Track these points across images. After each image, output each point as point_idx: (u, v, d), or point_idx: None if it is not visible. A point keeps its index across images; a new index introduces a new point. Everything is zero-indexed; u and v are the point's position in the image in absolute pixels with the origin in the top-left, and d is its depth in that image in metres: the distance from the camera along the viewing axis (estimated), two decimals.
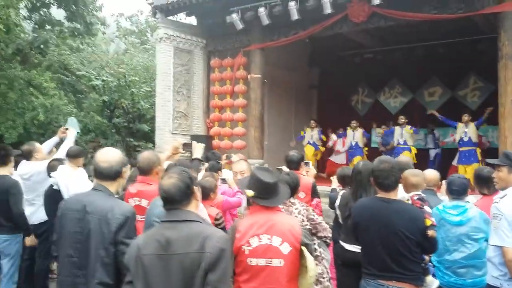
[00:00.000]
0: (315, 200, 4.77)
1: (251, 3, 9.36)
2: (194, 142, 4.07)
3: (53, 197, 4.32)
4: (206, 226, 2.12)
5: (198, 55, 11.26)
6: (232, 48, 10.70)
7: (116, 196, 2.57)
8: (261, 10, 9.14)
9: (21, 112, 11.59)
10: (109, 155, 2.54)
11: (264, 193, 2.57)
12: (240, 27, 9.54)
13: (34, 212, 4.86)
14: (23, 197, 4.49)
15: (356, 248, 4.00)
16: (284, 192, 2.68)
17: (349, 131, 11.46)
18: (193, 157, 3.59)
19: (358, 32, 10.34)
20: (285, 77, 12.86)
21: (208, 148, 8.64)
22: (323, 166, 12.49)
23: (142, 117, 16.85)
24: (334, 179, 4.82)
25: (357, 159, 10.27)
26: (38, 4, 13.18)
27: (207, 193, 3.37)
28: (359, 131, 11.30)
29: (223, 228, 3.21)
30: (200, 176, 4.27)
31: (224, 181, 4.58)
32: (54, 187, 4.24)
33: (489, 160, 3.44)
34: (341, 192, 4.22)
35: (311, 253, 2.57)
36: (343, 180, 4.52)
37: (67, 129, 5.56)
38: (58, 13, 14.54)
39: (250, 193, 2.55)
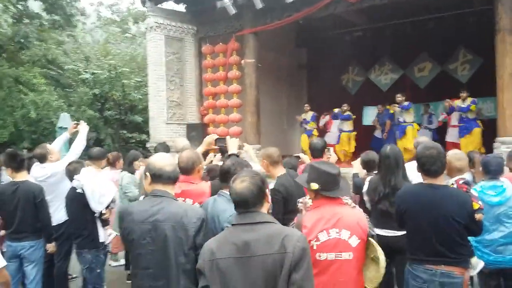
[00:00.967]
0: None
1: None
2: (227, 137, 3.98)
3: (76, 201, 4.21)
4: (283, 226, 2.12)
5: (189, 42, 11.09)
6: (224, 33, 10.55)
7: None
8: None
9: (10, 110, 11.25)
10: (170, 159, 2.54)
11: (329, 185, 2.57)
12: (233, 12, 9.40)
13: (52, 214, 4.69)
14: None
15: (385, 232, 4.05)
16: (344, 183, 2.68)
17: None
18: (229, 152, 3.52)
19: (350, 11, 10.28)
20: (275, 59, 12.74)
21: (205, 135, 8.57)
22: None
23: (134, 108, 16.60)
24: (356, 163, 4.78)
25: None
26: None
27: None
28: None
29: None
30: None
31: None
32: (78, 191, 4.13)
33: None
34: (368, 178, 4.21)
35: None
36: (367, 165, 4.50)
37: (77, 123, 5.41)
38: (35, 6, 14.05)
39: (315, 186, 2.54)
